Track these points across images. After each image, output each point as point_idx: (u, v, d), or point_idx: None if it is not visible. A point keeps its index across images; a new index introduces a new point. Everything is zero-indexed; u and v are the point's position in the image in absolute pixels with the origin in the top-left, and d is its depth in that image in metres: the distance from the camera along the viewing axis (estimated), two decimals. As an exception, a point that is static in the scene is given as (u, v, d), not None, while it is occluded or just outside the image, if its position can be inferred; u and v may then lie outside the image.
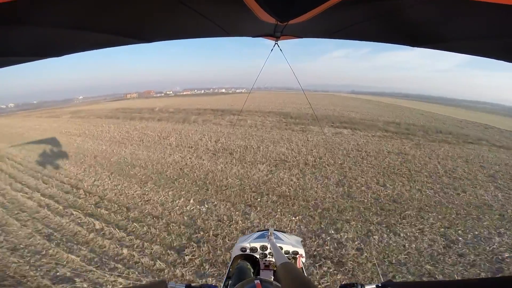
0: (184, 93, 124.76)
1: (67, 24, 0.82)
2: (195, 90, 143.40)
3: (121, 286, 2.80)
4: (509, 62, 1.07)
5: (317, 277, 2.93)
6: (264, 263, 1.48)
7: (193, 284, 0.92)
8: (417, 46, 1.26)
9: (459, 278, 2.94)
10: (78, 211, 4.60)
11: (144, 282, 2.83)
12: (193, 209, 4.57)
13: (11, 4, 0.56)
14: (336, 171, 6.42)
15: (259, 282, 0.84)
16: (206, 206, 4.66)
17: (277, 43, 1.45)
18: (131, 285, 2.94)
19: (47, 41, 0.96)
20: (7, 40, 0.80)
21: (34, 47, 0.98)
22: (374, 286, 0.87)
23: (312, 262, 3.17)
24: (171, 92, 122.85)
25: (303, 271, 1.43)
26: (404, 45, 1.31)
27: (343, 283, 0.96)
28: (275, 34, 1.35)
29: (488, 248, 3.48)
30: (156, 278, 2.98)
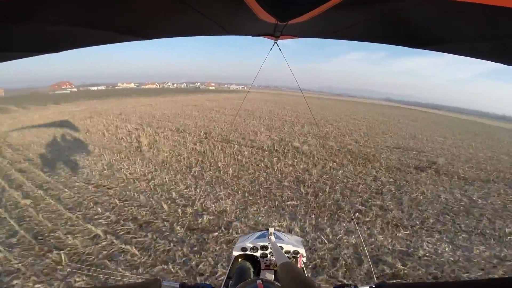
0: (147, 86, 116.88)
1: (66, 20, 1.00)
2: (169, 83, 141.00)
3: (115, 283, 3.09)
4: (507, 64, 1.37)
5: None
6: (264, 263, 1.86)
7: (187, 283, 1.16)
8: (417, 48, 1.61)
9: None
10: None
11: (139, 280, 3.18)
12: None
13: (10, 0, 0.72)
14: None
15: (260, 282, 1.03)
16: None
17: (276, 43, 1.92)
18: (125, 283, 3.32)
19: (45, 37, 1.17)
20: (4, 35, 0.98)
21: (31, 43, 1.19)
22: (368, 287, 1.08)
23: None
24: (103, 87, 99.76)
25: (304, 271, 1.78)
26: (404, 46, 1.66)
27: (337, 284, 1.21)
28: (275, 33, 1.75)
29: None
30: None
